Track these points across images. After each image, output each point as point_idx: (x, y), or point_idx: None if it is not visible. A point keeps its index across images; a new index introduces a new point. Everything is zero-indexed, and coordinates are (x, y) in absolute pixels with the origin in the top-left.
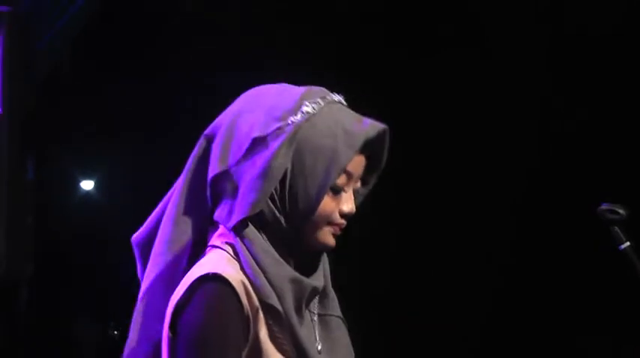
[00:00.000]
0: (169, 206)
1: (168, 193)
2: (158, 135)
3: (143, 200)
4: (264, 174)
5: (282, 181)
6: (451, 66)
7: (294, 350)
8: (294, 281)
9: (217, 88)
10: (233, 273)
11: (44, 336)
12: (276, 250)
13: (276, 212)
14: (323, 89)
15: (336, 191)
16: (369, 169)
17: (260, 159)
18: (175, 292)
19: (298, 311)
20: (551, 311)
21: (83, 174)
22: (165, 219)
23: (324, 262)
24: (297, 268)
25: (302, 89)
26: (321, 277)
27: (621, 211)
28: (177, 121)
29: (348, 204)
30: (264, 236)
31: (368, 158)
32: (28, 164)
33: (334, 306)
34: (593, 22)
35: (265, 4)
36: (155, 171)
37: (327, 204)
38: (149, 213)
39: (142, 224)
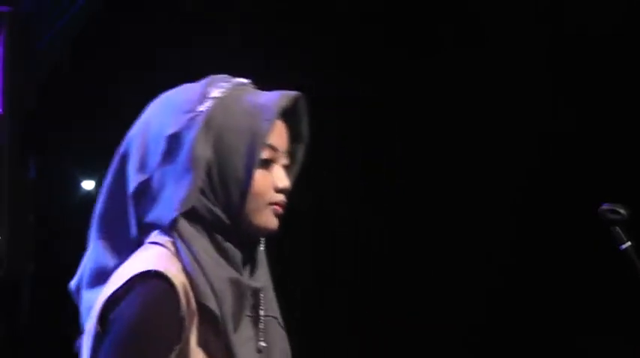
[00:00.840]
0: (91, 237)
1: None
2: None
3: None
4: (187, 167)
5: (209, 172)
6: (451, 66)
7: (225, 356)
8: (234, 283)
9: None
10: (175, 272)
11: (45, 336)
12: (217, 249)
13: (211, 205)
14: (227, 75)
15: (266, 165)
16: (295, 142)
17: (179, 155)
18: (108, 284)
19: (236, 314)
20: (551, 311)
21: (84, 173)
22: (89, 251)
23: (265, 261)
24: (239, 268)
25: (204, 80)
26: (262, 277)
27: (622, 211)
28: None
29: (281, 179)
30: (204, 234)
31: (291, 131)
32: (29, 164)
33: (273, 307)
34: (593, 22)
35: (265, 3)
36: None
37: (260, 182)
38: None
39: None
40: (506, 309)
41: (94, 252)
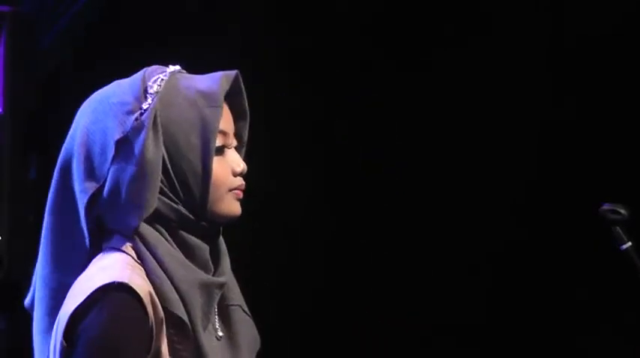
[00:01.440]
0: (39, 258)
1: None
2: None
3: None
4: (143, 171)
5: (165, 171)
6: (451, 65)
7: (196, 357)
8: (203, 286)
9: None
10: (140, 282)
11: None
12: (183, 249)
13: (172, 203)
14: (158, 66)
15: (220, 152)
16: (238, 121)
17: (132, 159)
18: (71, 296)
19: (205, 317)
20: (552, 311)
21: None
22: (40, 269)
23: (225, 248)
24: (206, 264)
25: (137, 75)
26: (227, 266)
27: (623, 211)
28: None
29: (237, 161)
30: (167, 234)
31: (232, 109)
32: (30, 164)
33: (235, 294)
34: (593, 22)
35: (260, 9)
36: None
37: (218, 170)
38: None
39: None
40: (506, 309)
41: (47, 269)
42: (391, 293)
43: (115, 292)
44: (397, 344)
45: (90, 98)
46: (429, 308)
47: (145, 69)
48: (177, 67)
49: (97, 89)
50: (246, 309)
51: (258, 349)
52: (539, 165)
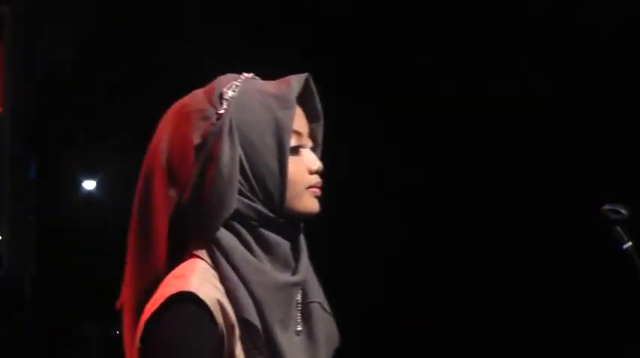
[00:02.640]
0: (127, 260)
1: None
2: None
3: None
4: (220, 174)
5: (243, 172)
6: (451, 65)
7: None
8: (280, 288)
9: None
10: (209, 291)
11: (46, 336)
12: (262, 249)
13: (251, 203)
14: (232, 74)
15: (295, 152)
16: (312, 122)
17: (209, 163)
18: (151, 302)
19: (286, 317)
20: (552, 311)
21: (85, 174)
22: (127, 271)
23: (305, 246)
24: (287, 261)
25: (212, 83)
26: (304, 263)
27: (623, 211)
28: None
29: (312, 160)
30: (247, 234)
31: (306, 111)
32: (31, 164)
33: (315, 291)
34: (593, 24)
35: (261, 21)
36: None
37: (294, 169)
38: None
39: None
40: (506, 309)
41: (131, 273)
42: (390, 294)
43: (182, 302)
44: (398, 345)
45: (170, 108)
46: (428, 309)
47: (219, 77)
48: (251, 74)
49: (96, 90)
50: (326, 307)
51: (336, 346)
52: (541, 165)
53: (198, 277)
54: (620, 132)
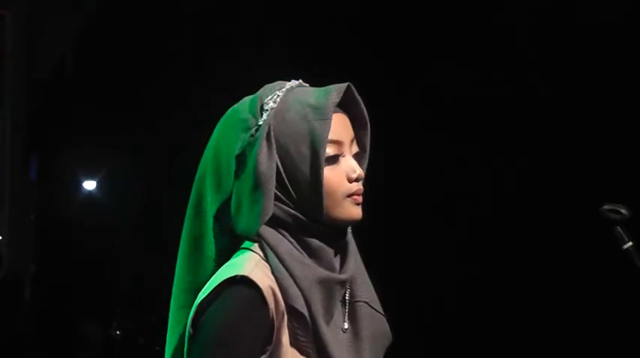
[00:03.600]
0: (178, 260)
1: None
2: (161, 136)
3: (145, 200)
4: (258, 183)
5: (280, 180)
6: (452, 65)
7: (316, 354)
8: (323, 282)
9: (220, 89)
10: (262, 277)
11: (46, 336)
12: (304, 249)
13: (290, 210)
14: (279, 82)
15: (334, 161)
16: (358, 129)
17: (248, 172)
18: (203, 290)
19: (327, 312)
20: (552, 311)
21: (85, 174)
22: (176, 271)
23: (354, 248)
24: (329, 262)
25: (260, 91)
26: (352, 265)
27: (624, 211)
28: (180, 123)
29: (352, 168)
30: (288, 236)
31: (352, 119)
32: (31, 164)
33: (363, 291)
34: (592, 23)
35: (261, 16)
36: (157, 172)
37: (331, 178)
38: (150, 214)
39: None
40: (507, 310)
41: (182, 270)
42: (392, 295)
43: (236, 285)
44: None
45: (225, 114)
46: (429, 308)
47: (265, 85)
48: (297, 82)
49: (97, 90)
50: (375, 306)
51: (387, 345)
52: (541, 165)
53: (251, 265)
54: (620, 132)
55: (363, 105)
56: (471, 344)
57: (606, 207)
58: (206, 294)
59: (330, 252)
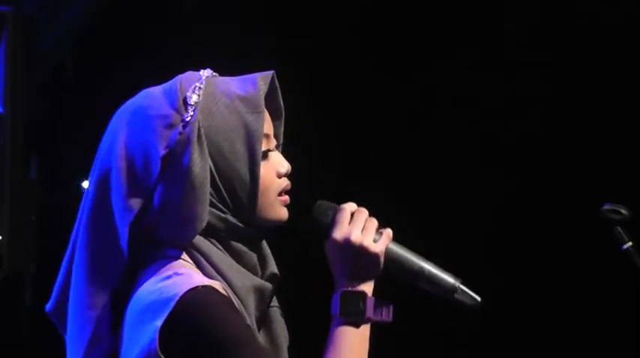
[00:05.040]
0: (74, 270)
1: (67, 253)
2: None
3: None
4: (192, 186)
5: (212, 181)
6: (453, 65)
7: None
8: (257, 291)
9: None
10: (216, 283)
11: (47, 337)
12: (234, 257)
13: (222, 214)
14: (191, 72)
15: (264, 156)
16: (275, 120)
17: (179, 174)
18: (145, 311)
19: (260, 317)
20: (552, 311)
21: (86, 174)
22: (74, 281)
23: (269, 251)
24: (255, 269)
25: (172, 84)
26: (273, 268)
27: (624, 211)
28: None
29: (281, 163)
30: (218, 244)
31: (269, 110)
32: (31, 164)
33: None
34: (590, 23)
35: (260, 11)
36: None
37: (264, 176)
38: None
39: None
40: (507, 310)
41: (81, 282)
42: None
43: (205, 295)
44: (400, 346)
45: (122, 109)
46: (429, 308)
47: (178, 77)
48: (209, 71)
49: (97, 90)
50: (280, 311)
51: (287, 345)
52: (541, 165)
53: (198, 275)
54: (620, 132)
55: (280, 95)
56: (471, 344)
57: (606, 207)
58: (167, 313)
59: (254, 256)
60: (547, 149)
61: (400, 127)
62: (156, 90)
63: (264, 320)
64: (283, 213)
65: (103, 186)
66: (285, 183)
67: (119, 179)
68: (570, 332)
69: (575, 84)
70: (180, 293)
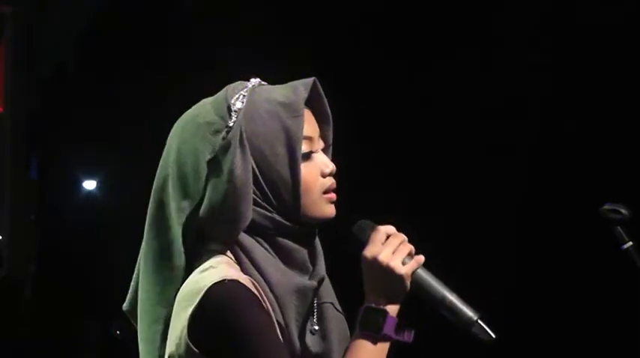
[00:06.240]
0: (141, 271)
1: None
2: (162, 136)
3: (145, 200)
4: (234, 187)
5: (256, 182)
6: (453, 64)
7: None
8: (298, 290)
9: (219, 89)
10: (245, 280)
11: (46, 336)
12: (280, 255)
13: (266, 212)
14: (239, 82)
15: (307, 158)
16: (321, 124)
17: (223, 177)
18: (181, 301)
19: (300, 318)
20: (552, 311)
21: (86, 173)
22: (141, 281)
23: (320, 248)
24: (304, 266)
25: (220, 94)
26: (322, 264)
27: (624, 211)
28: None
29: (325, 163)
30: (264, 242)
31: (315, 114)
32: (31, 164)
33: (328, 292)
34: (590, 23)
35: (266, 9)
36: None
37: (307, 175)
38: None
39: (140, 227)
40: (507, 310)
41: (148, 282)
42: None
43: (230, 288)
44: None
45: (180, 119)
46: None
47: (227, 87)
48: (257, 80)
49: (98, 89)
50: (338, 307)
51: (345, 341)
52: (541, 165)
53: (233, 269)
54: (620, 132)
55: (326, 100)
56: (470, 343)
57: (606, 207)
58: (196, 303)
59: (304, 252)
60: (546, 149)
61: (401, 127)
62: (207, 100)
63: (319, 318)
64: (329, 210)
65: (160, 189)
66: (329, 181)
67: (173, 183)
68: (571, 331)
69: (575, 84)
70: (209, 285)
